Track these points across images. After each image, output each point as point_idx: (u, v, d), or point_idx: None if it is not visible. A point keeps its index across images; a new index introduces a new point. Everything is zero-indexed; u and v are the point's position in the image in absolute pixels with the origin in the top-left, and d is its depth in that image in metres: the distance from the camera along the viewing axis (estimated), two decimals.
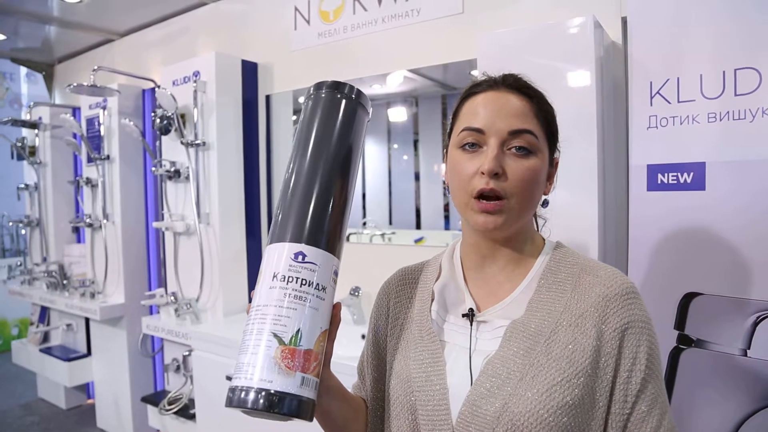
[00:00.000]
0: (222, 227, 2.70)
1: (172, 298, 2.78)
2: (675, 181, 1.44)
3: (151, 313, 3.28)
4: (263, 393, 0.65)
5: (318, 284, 0.72)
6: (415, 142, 2.53)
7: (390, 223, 2.56)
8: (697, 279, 1.39)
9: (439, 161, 2.44)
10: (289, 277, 0.71)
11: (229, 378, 2.12)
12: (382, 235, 2.51)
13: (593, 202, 1.55)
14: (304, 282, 0.71)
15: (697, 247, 1.40)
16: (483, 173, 0.77)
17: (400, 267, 0.99)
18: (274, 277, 0.71)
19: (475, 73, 2.18)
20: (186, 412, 2.66)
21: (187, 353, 2.73)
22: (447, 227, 2.42)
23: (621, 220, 1.73)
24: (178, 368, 2.83)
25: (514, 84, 0.83)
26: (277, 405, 0.66)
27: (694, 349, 1.40)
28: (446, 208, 2.44)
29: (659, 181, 1.46)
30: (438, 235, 2.41)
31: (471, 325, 0.82)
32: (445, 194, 2.42)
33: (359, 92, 0.82)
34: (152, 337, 3.27)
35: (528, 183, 0.79)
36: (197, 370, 2.43)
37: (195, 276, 2.76)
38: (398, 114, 2.56)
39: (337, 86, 0.81)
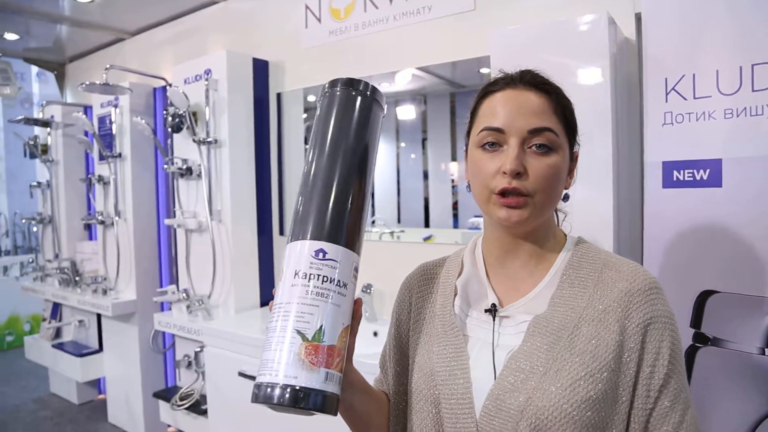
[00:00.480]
0: (234, 224, 2.70)
1: (184, 294, 2.77)
2: (691, 178, 1.42)
3: (162, 310, 3.28)
4: (288, 389, 0.66)
5: (339, 281, 0.72)
6: (424, 141, 2.52)
7: (398, 221, 2.55)
8: (713, 276, 1.38)
9: (447, 160, 2.43)
10: (310, 274, 0.71)
11: (242, 374, 2.20)
12: (391, 233, 2.50)
13: (608, 200, 1.54)
14: (325, 279, 0.71)
15: (714, 245, 1.38)
16: (505, 173, 0.77)
17: (421, 263, 0.99)
18: (295, 274, 0.71)
19: (484, 71, 2.17)
20: (198, 407, 2.66)
21: (198, 349, 2.73)
22: (456, 225, 2.41)
23: (635, 217, 1.71)
24: (189, 364, 2.83)
25: (531, 81, 0.82)
26: (302, 400, 0.66)
27: (711, 347, 1.38)
28: (455, 206, 2.43)
29: (675, 178, 1.44)
30: (447, 234, 2.40)
31: (494, 320, 0.83)
32: (453, 192, 2.42)
33: (374, 88, 0.81)
34: (163, 333, 3.28)
35: (550, 180, 0.79)
36: (209, 366, 2.43)
37: (207, 273, 2.76)
38: (406, 112, 2.54)
39: (351, 83, 0.81)
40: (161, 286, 3.34)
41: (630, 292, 0.77)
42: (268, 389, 0.67)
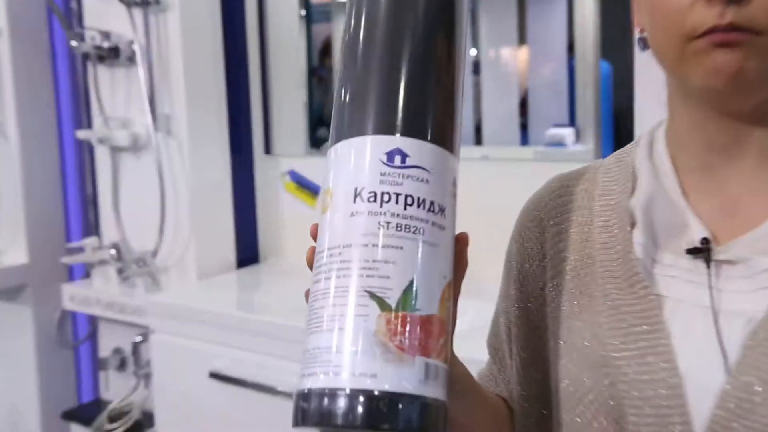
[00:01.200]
0: (192, 137, 2.54)
1: (113, 251, 2.63)
2: None
3: (72, 278, 3.13)
4: (361, 397, 0.54)
5: (432, 203, 0.60)
6: (473, 13, 2.39)
7: None
8: None
9: (512, 43, 2.32)
10: (383, 193, 0.58)
11: (214, 375, 2.05)
12: None
13: None
14: (410, 201, 0.59)
15: None
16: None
17: (554, 176, 0.93)
18: (355, 195, 0.59)
19: None
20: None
21: (139, 338, 2.62)
22: (525, 142, 2.32)
23: None
24: (122, 364, 2.71)
25: None
26: (387, 417, 0.54)
27: None
28: (523, 112, 2.31)
29: None
30: (511, 153, 2.31)
31: (708, 267, 0.73)
32: (521, 93, 2.32)
33: None
34: (74, 315, 3.12)
35: None
36: (158, 365, 2.32)
37: (149, 217, 2.61)
38: None
39: None
40: (70, 241, 3.12)
41: None
42: (325, 400, 0.55)
